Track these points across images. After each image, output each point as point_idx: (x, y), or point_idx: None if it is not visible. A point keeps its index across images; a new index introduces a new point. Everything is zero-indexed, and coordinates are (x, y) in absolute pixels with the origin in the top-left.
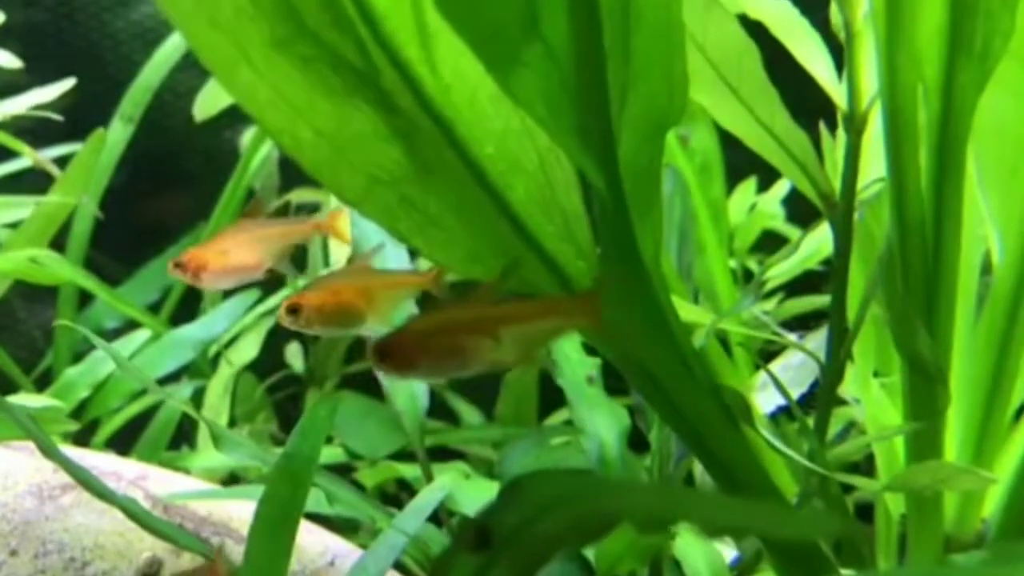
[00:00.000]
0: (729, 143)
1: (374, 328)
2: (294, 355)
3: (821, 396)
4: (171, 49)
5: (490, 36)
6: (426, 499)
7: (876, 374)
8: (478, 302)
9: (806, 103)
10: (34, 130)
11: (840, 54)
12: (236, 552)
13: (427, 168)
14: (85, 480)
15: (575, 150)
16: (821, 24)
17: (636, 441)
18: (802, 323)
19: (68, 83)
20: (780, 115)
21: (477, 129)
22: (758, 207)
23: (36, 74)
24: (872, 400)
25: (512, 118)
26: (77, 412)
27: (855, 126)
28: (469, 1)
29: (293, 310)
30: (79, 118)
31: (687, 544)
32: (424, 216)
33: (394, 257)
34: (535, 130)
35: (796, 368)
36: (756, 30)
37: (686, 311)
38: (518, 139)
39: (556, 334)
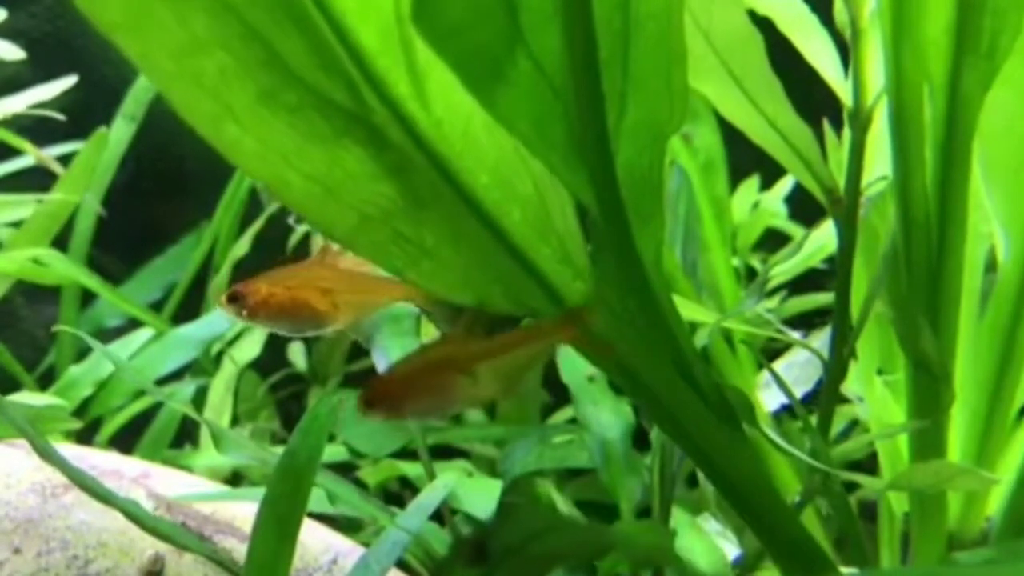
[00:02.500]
0: (732, 141)
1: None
2: (297, 353)
3: (824, 394)
4: None
5: (472, 56)
6: (429, 497)
7: (880, 372)
8: (455, 339)
9: (811, 101)
10: (36, 129)
11: (845, 51)
12: (239, 551)
13: (420, 202)
14: (83, 482)
15: (562, 166)
16: (826, 21)
17: (641, 438)
18: (807, 321)
19: (70, 80)
20: (783, 108)
21: (471, 160)
22: (761, 205)
23: (39, 73)
24: (876, 398)
25: (506, 147)
26: (80, 410)
27: (860, 123)
28: (450, 23)
29: (235, 299)
30: (81, 117)
31: (689, 543)
32: (418, 249)
33: None
34: (529, 156)
35: (801, 366)
36: (761, 27)
37: (690, 310)
38: (512, 167)
39: (536, 362)
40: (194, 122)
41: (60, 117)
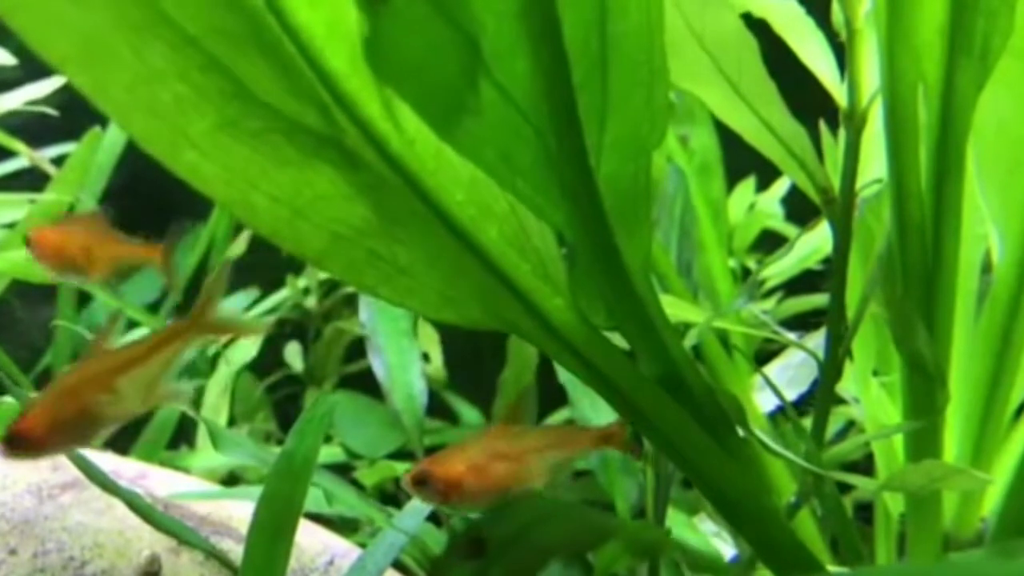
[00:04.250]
0: (728, 143)
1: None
2: (293, 355)
3: (820, 395)
4: None
5: (432, 92)
6: None
7: (875, 373)
8: (95, 356)
9: (806, 103)
10: (32, 130)
11: (840, 52)
12: (236, 552)
13: (394, 220)
14: (91, 473)
15: (531, 190)
16: (821, 22)
17: (638, 438)
18: (803, 322)
19: (61, 79)
20: (778, 109)
21: (445, 178)
22: (757, 206)
23: (34, 72)
24: (871, 399)
25: None
26: None
27: (855, 123)
28: (406, 63)
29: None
30: (76, 117)
31: (685, 543)
32: (392, 267)
33: None
34: None
35: (797, 367)
36: (755, 28)
37: (682, 310)
38: (487, 185)
39: (171, 366)
40: (151, 149)
41: (53, 113)
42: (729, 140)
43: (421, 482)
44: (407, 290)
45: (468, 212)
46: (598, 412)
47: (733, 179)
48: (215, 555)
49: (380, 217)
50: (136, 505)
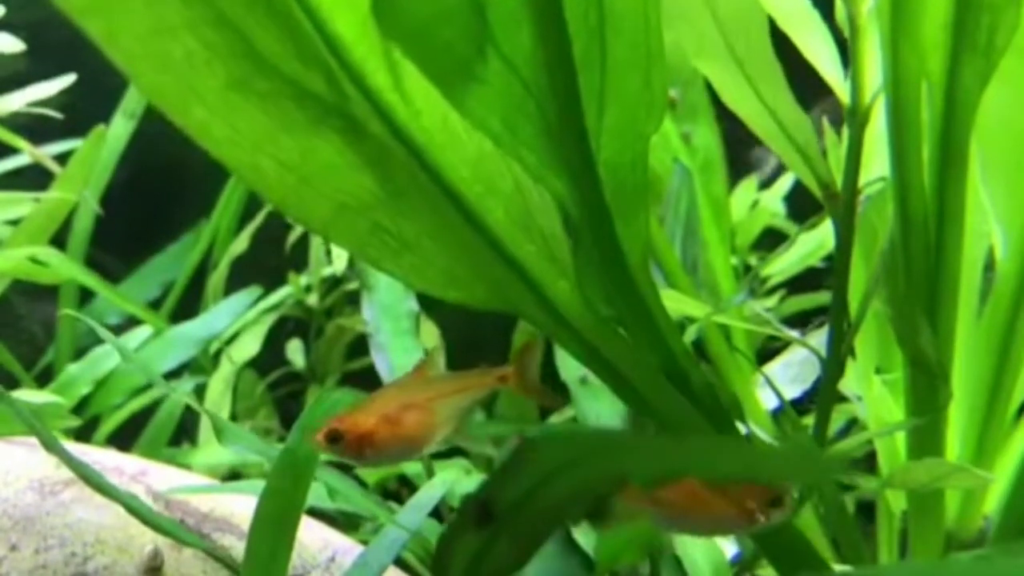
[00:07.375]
0: (730, 141)
1: None
2: (295, 352)
3: (822, 392)
4: None
5: (439, 55)
6: (427, 495)
7: (878, 370)
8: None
9: (809, 100)
10: (35, 127)
11: (844, 48)
12: (238, 548)
13: (400, 193)
14: (86, 475)
15: (537, 163)
16: (825, 18)
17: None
18: (806, 320)
19: (68, 79)
20: (783, 96)
21: (451, 153)
22: (760, 204)
23: (38, 68)
24: (874, 396)
25: (486, 141)
26: (78, 408)
27: (858, 120)
28: (414, 22)
29: None
30: (80, 114)
31: (687, 540)
32: (397, 241)
33: None
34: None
35: (799, 364)
36: None
37: (683, 304)
38: (493, 162)
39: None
40: (160, 104)
41: (58, 116)
42: (731, 138)
43: (334, 439)
44: (412, 266)
45: (474, 189)
46: (600, 411)
47: (735, 177)
48: (214, 554)
49: (386, 190)
50: (133, 507)
